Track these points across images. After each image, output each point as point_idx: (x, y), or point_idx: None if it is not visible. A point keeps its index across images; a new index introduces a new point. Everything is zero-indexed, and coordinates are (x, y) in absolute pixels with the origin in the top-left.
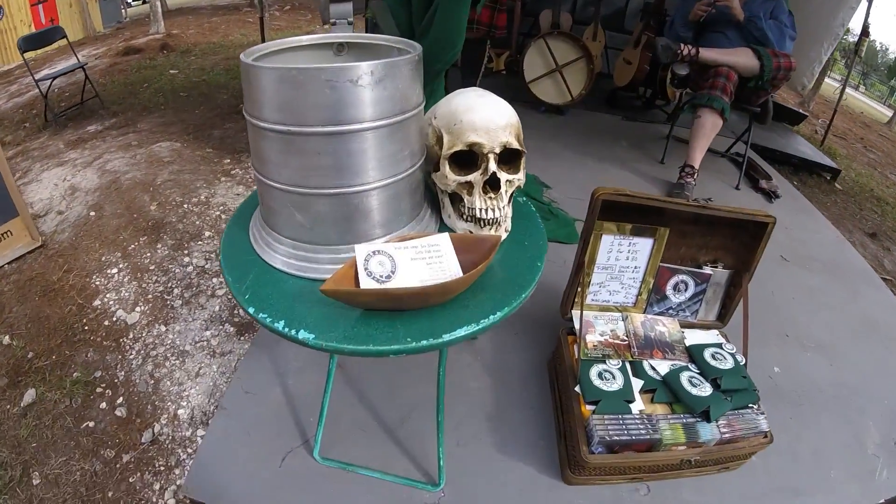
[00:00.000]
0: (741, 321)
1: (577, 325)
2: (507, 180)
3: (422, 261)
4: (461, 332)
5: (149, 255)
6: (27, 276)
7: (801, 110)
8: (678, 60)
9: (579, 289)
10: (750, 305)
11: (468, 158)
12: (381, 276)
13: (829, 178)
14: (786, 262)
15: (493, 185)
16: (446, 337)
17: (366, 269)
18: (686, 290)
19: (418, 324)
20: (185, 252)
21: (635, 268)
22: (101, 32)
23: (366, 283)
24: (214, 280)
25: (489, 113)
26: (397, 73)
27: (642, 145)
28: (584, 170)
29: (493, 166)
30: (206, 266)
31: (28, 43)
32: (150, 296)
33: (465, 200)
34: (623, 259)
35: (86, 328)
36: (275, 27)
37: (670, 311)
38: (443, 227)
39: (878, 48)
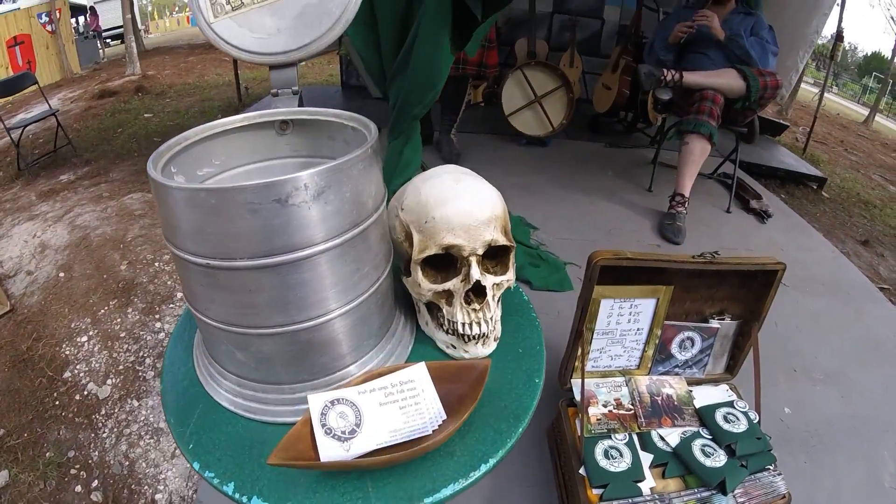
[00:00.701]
0: (751, 366)
1: (577, 397)
2: (495, 284)
3: (394, 404)
4: (447, 492)
5: (119, 320)
6: None
7: (781, 120)
8: (662, 86)
9: (578, 357)
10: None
11: (445, 260)
12: (344, 433)
13: (815, 187)
14: (786, 287)
15: (477, 292)
16: (428, 501)
17: (323, 425)
18: (692, 346)
19: (393, 483)
20: (157, 316)
21: (638, 330)
22: (78, 73)
23: (325, 446)
24: None
25: (467, 205)
26: (344, 178)
27: (628, 173)
28: (571, 205)
29: (475, 272)
30: None
31: None
32: (121, 366)
33: (445, 311)
34: (624, 322)
35: (57, 403)
36: (249, 65)
37: (676, 370)
38: (420, 336)
39: (847, 48)
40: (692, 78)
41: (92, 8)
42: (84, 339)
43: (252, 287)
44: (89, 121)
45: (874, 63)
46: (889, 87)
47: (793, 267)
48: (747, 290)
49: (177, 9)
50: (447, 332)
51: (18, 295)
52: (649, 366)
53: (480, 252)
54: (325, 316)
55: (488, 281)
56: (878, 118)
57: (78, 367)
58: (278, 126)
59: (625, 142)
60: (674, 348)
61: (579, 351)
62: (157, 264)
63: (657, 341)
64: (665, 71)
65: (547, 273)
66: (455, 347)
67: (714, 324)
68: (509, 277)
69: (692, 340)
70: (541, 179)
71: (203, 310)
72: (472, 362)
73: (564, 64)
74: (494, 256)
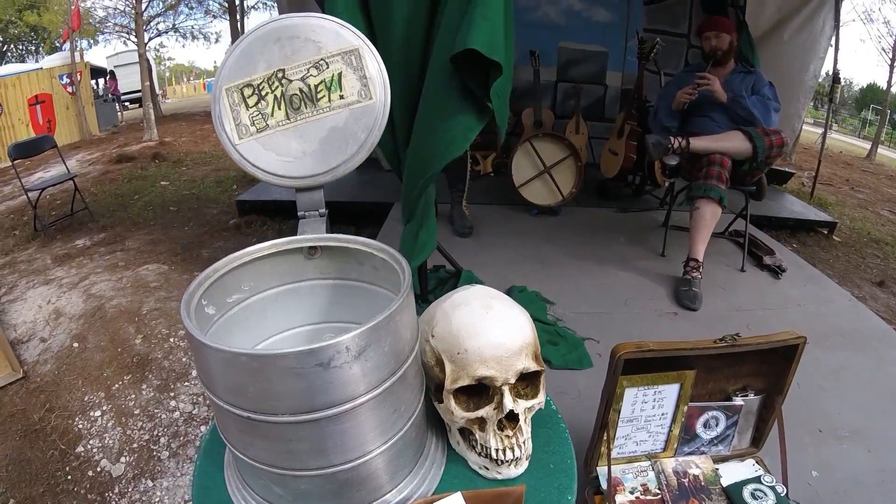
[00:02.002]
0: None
1: (604, 485)
2: (527, 408)
3: None
4: None
5: (133, 396)
6: (8, 411)
7: (786, 168)
8: (670, 153)
9: (604, 442)
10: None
11: (477, 387)
12: None
13: (826, 232)
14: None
15: (509, 417)
16: None
17: None
18: (717, 425)
19: None
20: (172, 394)
21: (662, 415)
22: (96, 135)
23: None
24: (203, 428)
25: (499, 337)
26: (383, 334)
27: (640, 238)
28: (586, 276)
29: (508, 401)
30: (194, 412)
31: (18, 151)
32: (135, 444)
33: (478, 436)
34: (649, 409)
35: (69, 477)
36: None
37: (702, 449)
38: (451, 454)
39: (843, 83)
40: (699, 144)
41: (112, 72)
42: (98, 413)
43: (292, 437)
44: (106, 185)
45: (870, 95)
46: (888, 117)
47: (810, 322)
48: (769, 365)
49: (194, 75)
50: (480, 455)
51: (31, 362)
52: (675, 447)
53: (513, 381)
54: (364, 457)
55: (520, 407)
56: (881, 150)
57: (91, 441)
58: (307, 251)
59: (634, 205)
60: (699, 428)
61: (604, 438)
62: (171, 340)
63: (682, 424)
64: (672, 139)
65: (566, 350)
66: (488, 469)
67: (738, 401)
68: (540, 400)
69: (717, 419)
70: (554, 250)
71: (240, 449)
72: (507, 490)
73: (570, 131)
74: (525, 379)
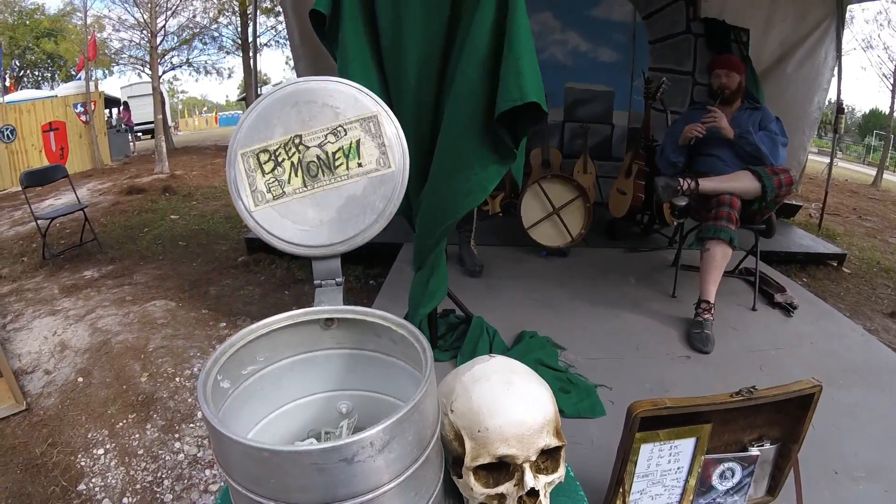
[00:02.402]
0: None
1: None
2: (548, 482)
3: None
4: None
5: (137, 436)
6: (9, 442)
7: (794, 201)
8: (679, 195)
9: (619, 498)
10: None
11: (497, 464)
12: None
13: (836, 264)
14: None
15: (530, 493)
16: None
17: None
18: (733, 476)
19: None
20: (176, 435)
21: (678, 468)
22: (108, 165)
23: None
24: (207, 472)
25: (520, 415)
26: (407, 425)
27: (650, 279)
28: (597, 320)
29: (529, 478)
30: (199, 455)
31: (30, 179)
32: (138, 486)
33: None
34: (665, 463)
35: None
36: None
37: (718, 500)
38: None
39: (846, 110)
40: (708, 184)
41: (125, 103)
42: (101, 451)
43: None
44: (116, 216)
45: (873, 120)
46: (892, 142)
47: (823, 360)
48: (785, 414)
49: (206, 108)
50: None
51: (35, 394)
52: (690, 499)
53: (534, 458)
54: None
55: (541, 483)
56: (886, 175)
57: (93, 480)
58: (323, 322)
59: (643, 244)
60: (714, 480)
61: (620, 493)
62: (177, 379)
63: (698, 476)
64: (681, 181)
65: (577, 399)
66: None
67: (754, 451)
68: (560, 474)
69: (733, 470)
70: (564, 294)
71: None
72: None
73: (578, 170)
74: (546, 453)
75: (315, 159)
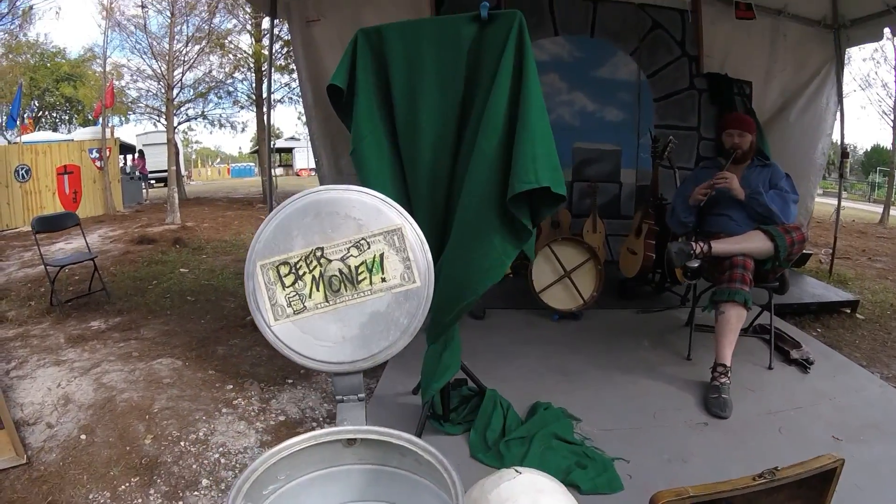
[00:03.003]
0: None
1: None
2: None
3: None
4: None
5: (140, 501)
6: (7, 497)
7: (804, 249)
8: (692, 259)
9: None
10: None
11: None
12: None
13: (849, 311)
14: (839, 441)
15: None
16: None
17: None
18: None
19: None
20: (180, 503)
21: None
22: (120, 212)
23: None
24: None
25: None
26: None
27: (664, 340)
28: (613, 388)
29: None
30: None
31: (41, 224)
32: None
33: None
34: None
35: None
36: None
37: None
38: None
39: (849, 149)
40: (720, 247)
41: (140, 151)
42: None
43: None
44: (126, 266)
45: (876, 157)
46: None
47: (843, 416)
48: (808, 489)
49: (219, 159)
50: None
51: (36, 448)
52: None
53: None
54: None
55: None
56: (893, 211)
57: None
58: (345, 441)
59: (655, 304)
60: None
61: None
62: (182, 444)
63: None
64: (693, 244)
65: (595, 474)
66: None
67: None
68: None
69: None
70: (578, 360)
71: None
72: None
73: (588, 229)
74: None
75: (337, 273)
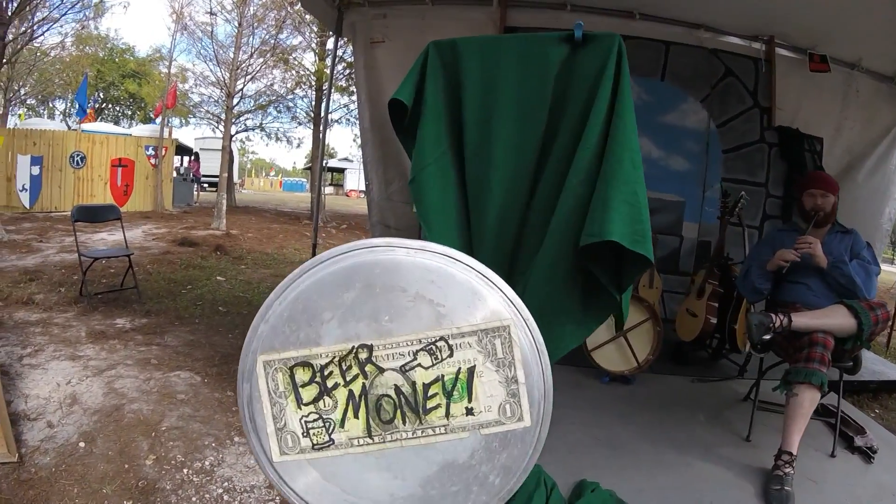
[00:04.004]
0: None
1: None
2: None
3: None
4: None
5: None
6: None
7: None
8: (771, 333)
9: None
10: None
11: None
12: None
13: None
14: None
15: None
16: None
17: None
18: None
19: None
20: None
21: None
22: (168, 211)
23: None
24: None
25: None
26: None
27: (721, 417)
28: (665, 470)
29: None
30: None
31: (81, 213)
32: None
33: None
34: None
35: None
36: (329, 245)
37: None
38: None
39: None
40: (801, 321)
41: (196, 154)
42: None
43: None
44: (163, 266)
45: None
46: None
47: None
48: None
49: (273, 172)
50: None
51: (31, 446)
52: None
53: None
54: None
55: None
56: None
57: None
58: None
59: (711, 372)
60: None
61: None
62: (185, 471)
63: None
64: (773, 317)
65: None
66: None
67: None
68: None
69: None
70: (628, 432)
71: None
72: None
73: (644, 284)
74: None
75: (392, 393)
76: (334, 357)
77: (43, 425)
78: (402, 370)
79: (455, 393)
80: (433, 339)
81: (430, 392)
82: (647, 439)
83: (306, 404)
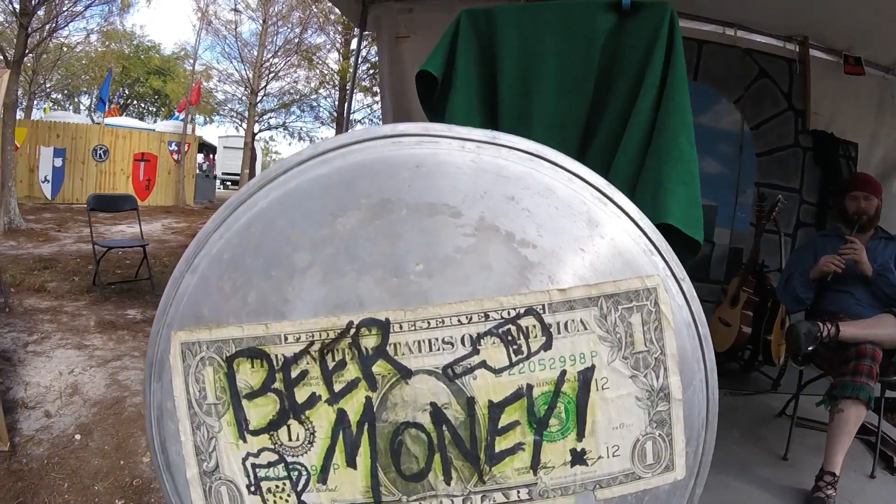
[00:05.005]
0: None
1: None
2: None
3: None
4: None
5: None
6: None
7: None
8: (818, 342)
9: None
10: None
11: None
12: None
13: None
14: None
15: None
16: None
17: None
18: None
19: None
20: None
21: None
22: (189, 206)
23: None
24: None
25: None
26: None
27: (756, 433)
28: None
29: None
30: None
31: (96, 202)
32: None
33: None
34: None
35: None
36: None
37: None
38: None
39: None
40: (849, 331)
41: (208, 147)
42: None
43: None
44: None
45: None
46: None
47: None
48: None
49: None
50: None
51: (26, 436)
52: None
53: None
54: None
55: None
56: None
57: None
58: None
59: (744, 386)
60: None
61: None
62: None
63: None
64: (821, 325)
65: None
66: None
67: None
68: None
69: None
70: None
71: None
72: None
73: None
74: None
75: (425, 420)
76: (312, 341)
77: (40, 414)
78: (448, 375)
79: (553, 422)
80: (513, 314)
81: (504, 421)
82: None
83: (254, 432)
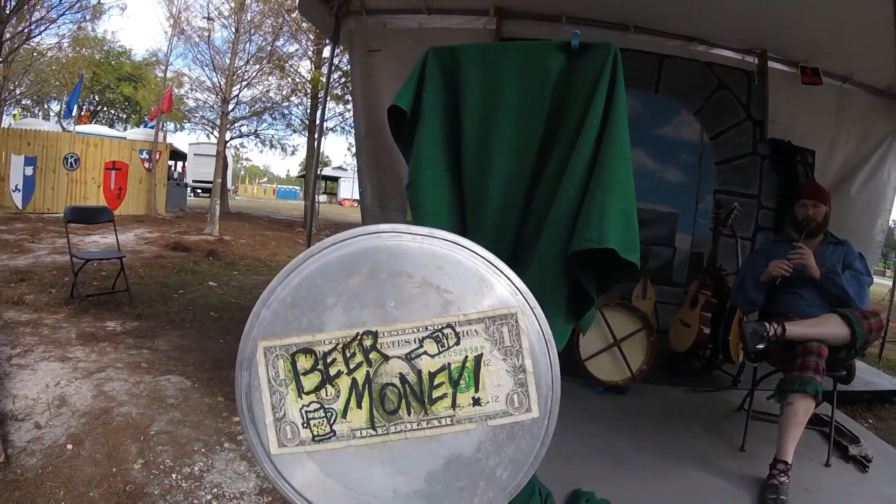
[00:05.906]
0: None
1: None
2: None
3: None
4: None
5: None
6: None
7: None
8: (765, 341)
9: None
10: None
11: None
12: None
13: None
14: None
15: None
16: None
17: None
18: None
19: None
20: None
21: None
22: (161, 215)
23: None
24: None
25: None
26: None
27: (716, 427)
28: (660, 478)
29: None
30: None
31: (73, 215)
32: None
33: None
34: None
35: None
36: None
37: None
38: None
39: (892, 225)
40: (795, 330)
41: (176, 154)
42: None
43: None
44: (155, 270)
45: None
46: None
47: None
48: None
49: (266, 179)
50: None
51: (18, 447)
52: None
53: None
54: None
55: None
56: None
57: None
58: None
59: (705, 383)
60: None
61: None
62: (174, 476)
63: None
64: (767, 325)
65: None
66: None
67: None
68: None
69: None
70: (624, 442)
71: None
72: None
73: (638, 295)
74: None
75: (396, 382)
76: (338, 344)
77: (30, 426)
78: (408, 358)
79: (462, 382)
80: (440, 327)
81: (437, 381)
82: (643, 450)
83: (307, 393)
